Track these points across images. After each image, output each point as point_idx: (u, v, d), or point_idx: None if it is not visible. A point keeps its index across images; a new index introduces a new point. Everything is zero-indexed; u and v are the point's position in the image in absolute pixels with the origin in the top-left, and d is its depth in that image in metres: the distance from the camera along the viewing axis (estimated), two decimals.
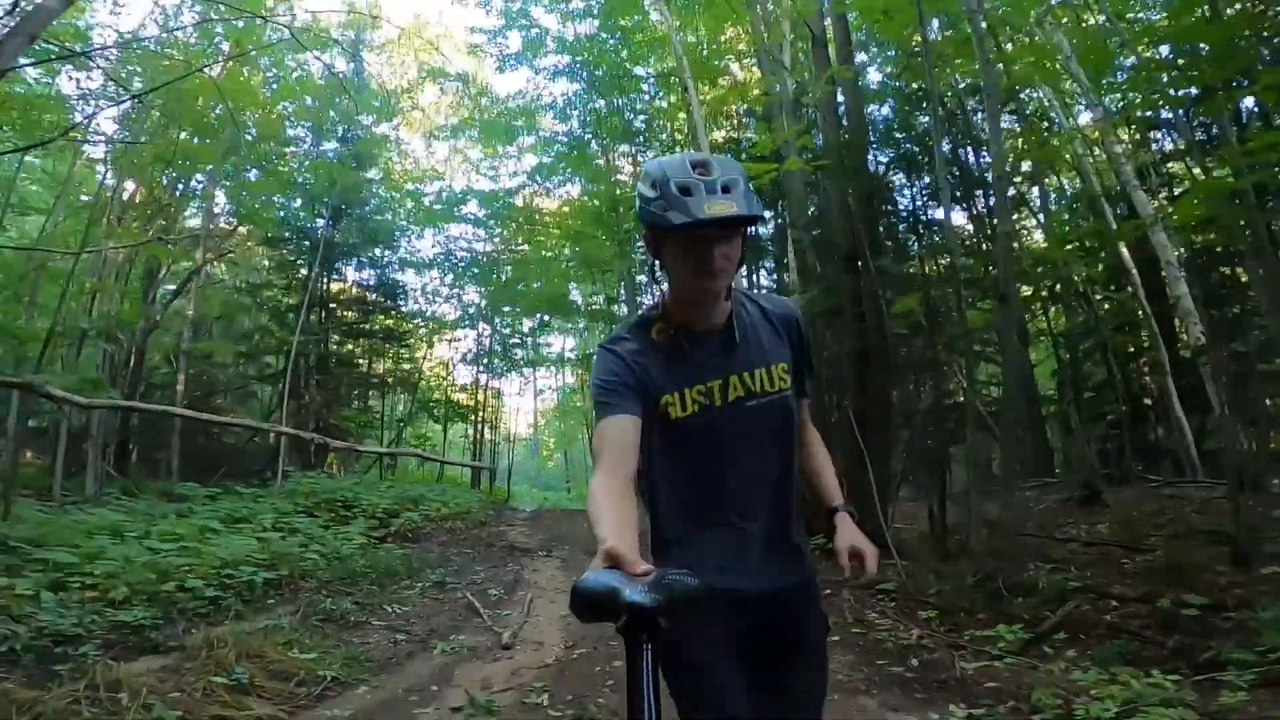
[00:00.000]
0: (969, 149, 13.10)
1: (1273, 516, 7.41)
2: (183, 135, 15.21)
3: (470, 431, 24.35)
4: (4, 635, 3.96)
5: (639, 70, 18.70)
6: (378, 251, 20.14)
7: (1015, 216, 14.69)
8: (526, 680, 3.88)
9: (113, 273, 15.04)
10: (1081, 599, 4.99)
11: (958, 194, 12.53)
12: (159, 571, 5.58)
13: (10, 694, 3.03)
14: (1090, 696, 3.10)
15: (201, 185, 16.96)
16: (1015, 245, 13.32)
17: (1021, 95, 11.88)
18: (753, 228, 1.60)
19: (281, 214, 18.26)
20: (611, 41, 18.08)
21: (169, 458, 16.71)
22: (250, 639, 4.14)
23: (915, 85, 12.82)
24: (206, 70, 13.87)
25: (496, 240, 22.19)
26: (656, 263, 1.62)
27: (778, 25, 11.24)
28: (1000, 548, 5.49)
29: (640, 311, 1.72)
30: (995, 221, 13.96)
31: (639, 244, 20.03)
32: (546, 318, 23.48)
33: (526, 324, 23.98)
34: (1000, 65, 9.54)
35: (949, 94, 12.42)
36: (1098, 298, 13.12)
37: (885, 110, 13.56)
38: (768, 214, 12.97)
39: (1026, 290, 11.65)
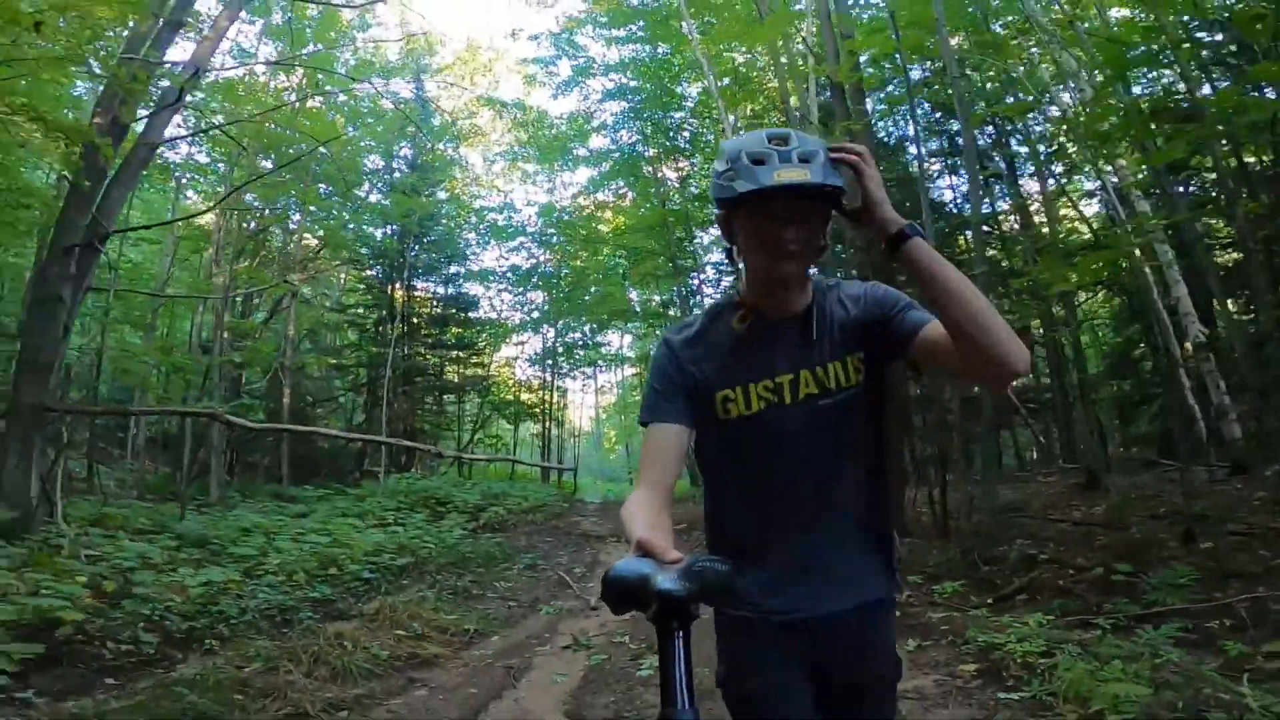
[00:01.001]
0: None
1: (1256, 497, 8.45)
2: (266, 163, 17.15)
3: (538, 429, 26.22)
4: (242, 609, 5.60)
5: (682, 87, 20.03)
6: (449, 268, 21.94)
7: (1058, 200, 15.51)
8: (611, 629, 5.38)
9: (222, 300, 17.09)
10: (1046, 568, 6.27)
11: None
12: (322, 560, 7.25)
13: (284, 644, 4.63)
14: (1005, 634, 4.45)
15: (283, 210, 18.90)
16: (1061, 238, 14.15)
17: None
18: (834, 208, 1.41)
19: (362, 239, 20.23)
20: (654, 61, 19.38)
21: (264, 461, 18.82)
22: (409, 606, 5.72)
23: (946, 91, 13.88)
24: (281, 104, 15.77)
25: (555, 250, 23.74)
26: (733, 248, 1.50)
27: (801, 73, 12.39)
28: (982, 527, 6.79)
29: (718, 298, 1.61)
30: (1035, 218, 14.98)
31: (690, 249, 21.47)
32: (604, 317, 25.02)
33: (586, 326, 25.63)
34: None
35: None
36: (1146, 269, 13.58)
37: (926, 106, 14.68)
38: None
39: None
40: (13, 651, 3.55)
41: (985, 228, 13.14)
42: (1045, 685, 3.58)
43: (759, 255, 1.43)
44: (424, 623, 5.35)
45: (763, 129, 1.52)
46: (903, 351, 1.46)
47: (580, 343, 26.23)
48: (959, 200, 15.92)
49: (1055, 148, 14.27)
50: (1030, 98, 12.18)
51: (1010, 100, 12.91)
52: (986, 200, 13.97)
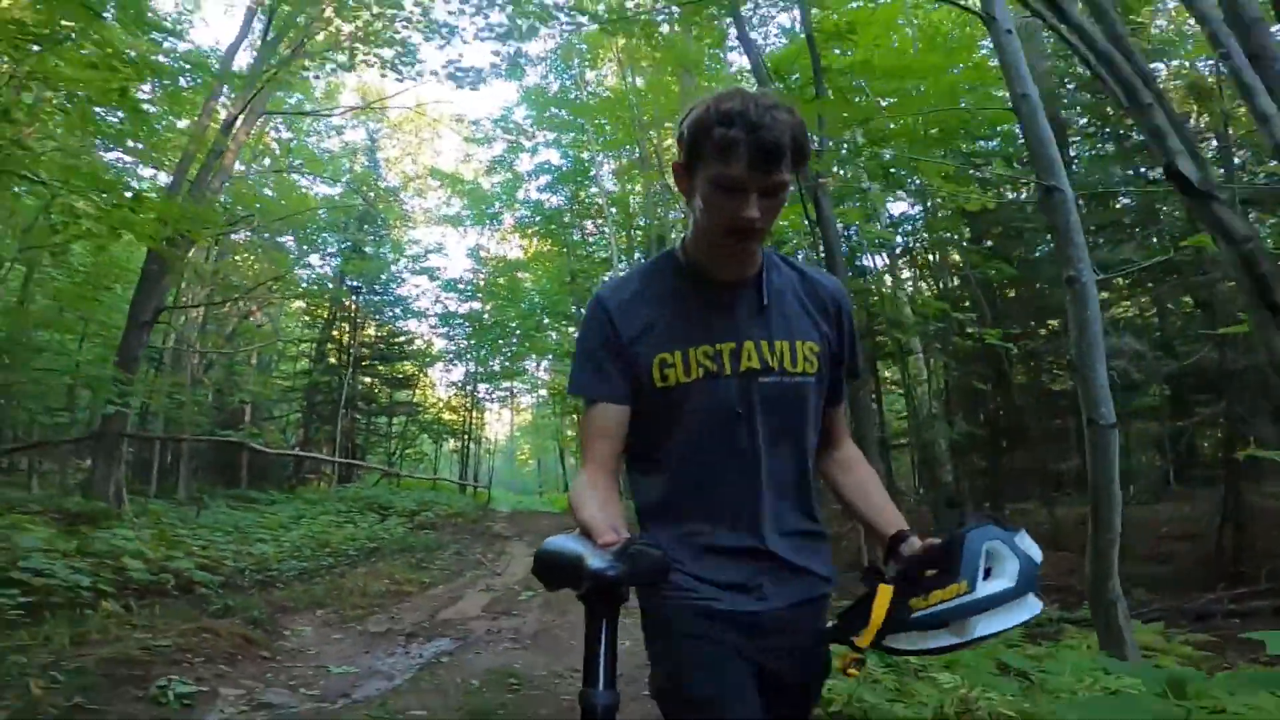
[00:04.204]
0: None
1: None
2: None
3: (457, 444, 29.85)
4: (287, 568, 9.22)
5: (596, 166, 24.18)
6: (389, 310, 25.54)
7: None
8: (513, 586, 9.26)
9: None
10: None
11: None
12: (318, 542, 10.89)
13: (334, 584, 8.37)
14: None
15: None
16: None
17: None
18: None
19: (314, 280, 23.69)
20: (575, 143, 23.45)
21: (206, 467, 21.90)
22: (387, 569, 9.48)
23: None
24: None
25: (482, 294, 27.50)
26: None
27: None
28: None
29: (665, 248, 1.55)
30: None
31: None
32: (521, 351, 28.78)
33: (506, 355, 29.41)
34: None
35: None
36: None
37: None
38: None
39: None
40: (215, 580, 7.24)
41: None
42: None
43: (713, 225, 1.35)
44: (399, 576, 9.13)
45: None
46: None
47: (499, 370, 29.95)
48: None
49: None
50: None
51: None
52: None
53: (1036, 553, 1.23)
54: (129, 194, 6.70)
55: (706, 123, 1.29)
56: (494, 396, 32.07)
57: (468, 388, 29.69)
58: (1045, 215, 2.76)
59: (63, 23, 6.78)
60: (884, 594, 1.24)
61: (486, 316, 26.95)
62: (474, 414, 30.20)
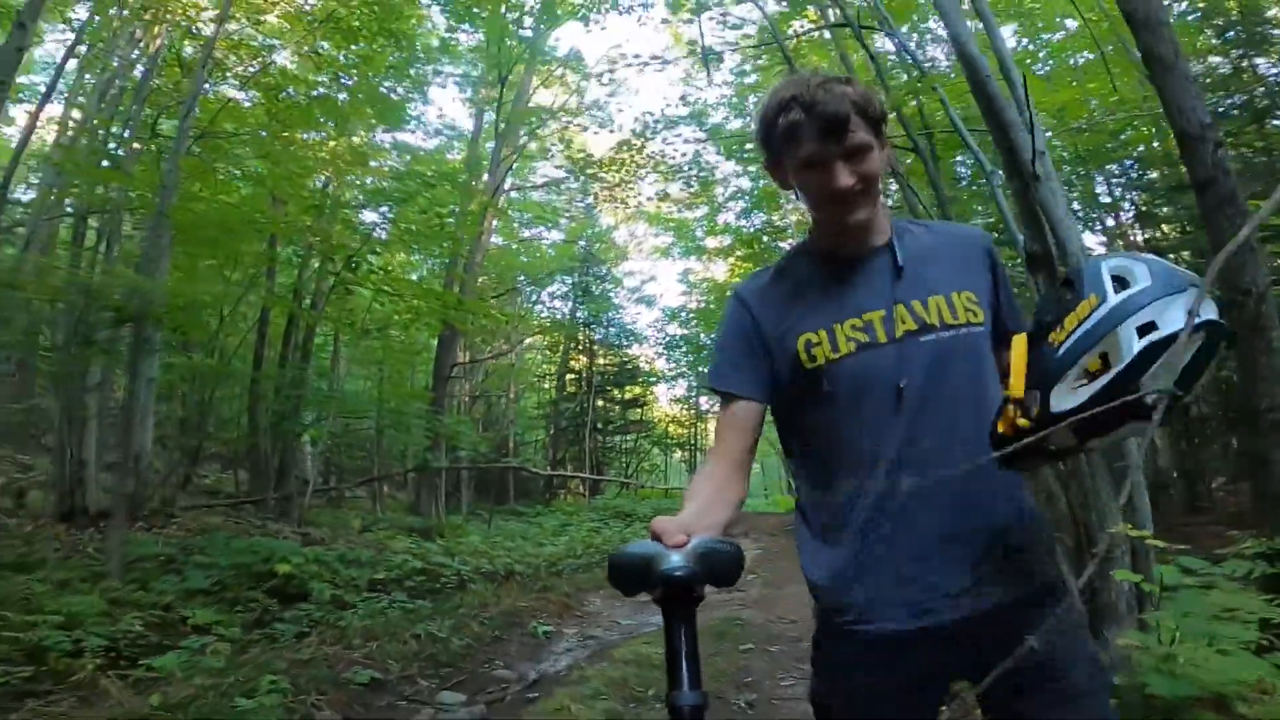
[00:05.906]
0: None
1: None
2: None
3: (684, 454, 32.70)
4: (564, 565, 11.99)
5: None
6: (616, 339, 28.90)
7: None
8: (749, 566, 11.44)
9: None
10: None
11: None
12: (586, 544, 13.69)
13: (605, 574, 11.02)
14: None
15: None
16: None
17: None
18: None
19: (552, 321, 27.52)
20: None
21: (487, 487, 26.07)
22: None
23: None
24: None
25: (695, 315, 30.16)
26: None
27: None
28: None
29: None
30: None
31: None
32: None
33: None
34: None
35: None
36: None
37: None
38: None
39: None
40: (527, 572, 10.04)
41: None
42: None
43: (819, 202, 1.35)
44: None
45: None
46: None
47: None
48: None
49: None
50: None
51: None
52: None
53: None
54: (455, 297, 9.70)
55: (769, 118, 1.35)
56: (714, 408, 34.63)
57: (690, 401, 32.45)
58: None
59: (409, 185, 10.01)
60: (1019, 342, 1.16)
61: (702, 338, 29.50)
62: (698, 425, 32.87)
